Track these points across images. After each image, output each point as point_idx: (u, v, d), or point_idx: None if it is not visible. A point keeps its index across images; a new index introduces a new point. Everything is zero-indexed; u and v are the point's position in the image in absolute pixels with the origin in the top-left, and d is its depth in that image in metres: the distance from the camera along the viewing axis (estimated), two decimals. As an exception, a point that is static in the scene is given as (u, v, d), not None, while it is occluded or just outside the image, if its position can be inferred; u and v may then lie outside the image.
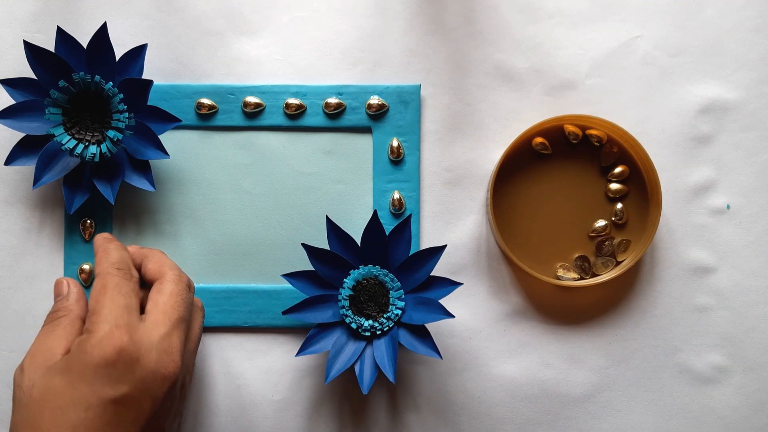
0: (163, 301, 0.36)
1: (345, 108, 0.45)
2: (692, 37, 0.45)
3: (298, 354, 0.41)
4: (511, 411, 0.44)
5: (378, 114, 0.44)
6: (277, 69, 0.45)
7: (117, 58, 0.41)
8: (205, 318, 0.44)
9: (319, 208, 0.45)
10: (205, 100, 0.44)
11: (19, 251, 0.45)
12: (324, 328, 0.42)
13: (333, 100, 0.44)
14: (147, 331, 0.35)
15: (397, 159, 0.44)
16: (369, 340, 0.41)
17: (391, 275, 0.41)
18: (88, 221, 0.44)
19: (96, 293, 0.35)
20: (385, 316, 0.41)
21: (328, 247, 0.42)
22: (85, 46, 0.41)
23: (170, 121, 0.42)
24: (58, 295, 0.39)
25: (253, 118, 0.45)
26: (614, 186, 0.44)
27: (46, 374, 0.34)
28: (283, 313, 0.41)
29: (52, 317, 0.37)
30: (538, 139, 0.44)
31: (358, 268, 0.41)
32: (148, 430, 0.34)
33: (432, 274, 0.42)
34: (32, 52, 0.41)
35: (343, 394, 0.45)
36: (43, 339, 0.36)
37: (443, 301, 0.44)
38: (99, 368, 0.33)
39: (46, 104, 0.41)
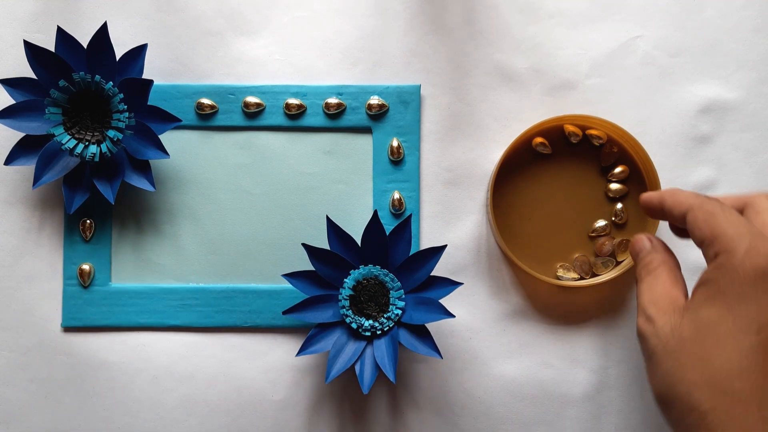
0: None
1: (345, 108, 0.45)
2: (692, 37, 0.45)
3: (298, 354, 0.41)
4: (511, 411, 0.44)
5: (378, 114, 0.44)
6: (277, 69, 0.45)
7: (117, 58, 0.41)
8: (206, 317, 0.44)
9: (319, 208, 0.45)
10: (205, 100, 0.44)
11: (19, 251, 0.45)
12: (324, 328, 0.42)
13: (333, 101, 0.44)
14: None
15: (397, 159, 0.44)
16: (369, 340, 0.41)
17: (391, 275, 0.41)
18: (88, 221, 0.44)
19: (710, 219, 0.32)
20: (385, 315, 0.41)
21: (328, 247, 0.42)
22: (85, 46, 0.41)
23: (170, 121, 0.42)
24: (639, 250, 0.37)
25: (253, 118, 0.45)
26: (614, 186, 0.44)
27: (690, 313, 0.31)
28: (284, 313, 0.41)
29: (650, 269, 0.35)
30: (538, 139, 0.44)
31: (359, 268, 0.41)
32: None
33: (432, 274, 0.42)
34: (32, 51, 0.41)
35: (344, 393, 0.45)
36: (653, 288, 0.34)
37: (443, 301, 0.44)
38: (756, 282, 0.30)
39: (46, 104, 0.41)
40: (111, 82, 0.41)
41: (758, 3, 0.45)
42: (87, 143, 0.41)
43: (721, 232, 0.31)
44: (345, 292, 0.41)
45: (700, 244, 0.33)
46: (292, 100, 0.44)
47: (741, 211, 0.34)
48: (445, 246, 0.41)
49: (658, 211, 0.36)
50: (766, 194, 0.34)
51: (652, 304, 0.34)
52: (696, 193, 0.35)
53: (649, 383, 0.33)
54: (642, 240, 0.38)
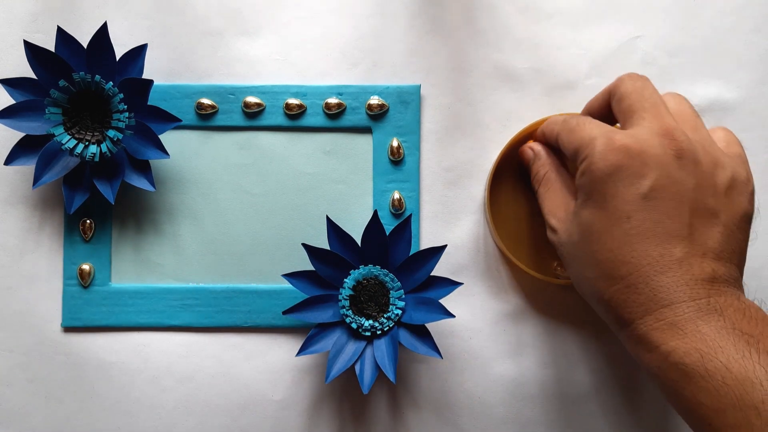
0: (629, 102, 0.36)
1: (345, 108, 0.45)
2: (692, 37, 0.45)
3: (298, 354, 0.41)
4: (511, 411, 0.44)
5: (378, 114, 0.44)
6: (277, 69, 0.45)
7: (117, 58, 0.41)
8: (206, 317, 0.44)
9: (319, 208, 0.45)
10: (205, 100, 0.44)
11: (19, 251, 0.45)
12: (324, 328, 0.42)
13: (333, 101, 0.44)
14: (634, 122, 0.35)
15: (397, 159, 0.44)
16: (369, 340, 0.41)
17: (391, 275, 0.41)
18: (88, 221, 0.44)
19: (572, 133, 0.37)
20: (385, 315, 0.41)
21: (328, 247, 0.42)
22: (85, 46, 0.41)
23: (170, 120, 0.42)
24: (527, 162, 0.42)
25: (253, 118, 0.45)
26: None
27: (575, 217, 0.35)
28: (284, 313, 0.41)
29: (539, 180, 0.40)
30: (531, 143, 0.44)
31: (359, 268, 0.41)
32: (700, 212, 0.33)
33: (432, 274, 0.42)
34: (32, 51, 0.41)
35: (344, 393, 0.45)
36: (549, 199, 0.39)
37: (443, 301, 0.44)
38: (613, 176, 0.33)
39: (46, 104, 0.41)
40: (111, 82, 0.41)
41: (758, 3, 0.45)
42: (87, 143, 0.41)
43: (579, 143, 0.35)
44: (345, 292, 0.41)
45: (572, 159, 0.36)
46: (292, 100, 0.44)
47: (609, 103, 0.38)
48: (445, 246, 0.41)
49: (545, 142, 0.41)
50: (627, 75, 0.37)
51: (551, 215, 0.38)
52: (564, 117, 0.39)
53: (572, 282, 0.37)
54: (525, 151, 0.42)
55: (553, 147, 0.40)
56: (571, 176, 0.39)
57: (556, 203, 0.38)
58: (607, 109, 0.38)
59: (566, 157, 0.38)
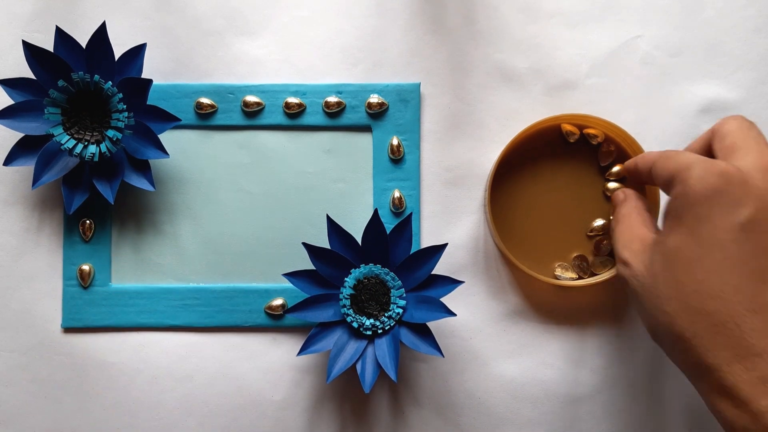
0: (732, 140, 0.33)
1: (345, 107, 0.45)
2: (692, 37, 0.45)
3: (299, 353, 0.40)
4: (512, 411, 0.44)
5: (378, 113, 0.44)
6: (277, 69, 0.45)
7: (116, 58, 0.41)
8: (206, 317, 0.44)
9: (319, 207, 0.45)
10: (205, 100, 0.44)
11: (18, 251, 0.45)
12: (325, 327, 0.41)
13: (333, 99, 0.44)
14: (738, 158, 0.32)
15: (397, 157, 0.44)
16: (370, 339, 0.41)
17: (392, 274, 0.41)
18: (88, 221, 0.44)
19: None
20: (386, 314, 0.41)
21: (328, 246, 0.42)
22: (84, 46, 0.41)
23: (170, 120, 0.42)
24: (615, 204, 0.40)
25: (252, 117, 0.45)
26: (612, 185, 0.44)
27: (659, 246, 0.33)
28: (285, 312, 0.41)
29: (618, 218, 0.38)
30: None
31: (359, 267, 0.41)
32: None
33: (432, 272, 0.42)
34: (31, 52, 0.41)
35: (345, 393, 0.44)
36: (623, 233, 0.36)
37: (444, 300, 0.44)
38: (709, 200, 0.30)
39: (45, 104, 0.41)
40: (110, 82, 0.41)
41: (758, 3, 0.45)
42: (86, 143, 0.41)
43: (675, 168, 0.33)
44: (346, 291, 0.41)
45: (665, 187, 0.34)
46: (292, 99, 0.44)
47: (710, 144, 0.35)
48: (446, 244, 0.41)
49: (635, 173, 0.39)
50: (732, 116, 0.35)
51: (625, 248, 0.36)
52: (661, 151, 0.36)
53: (643, 323, 0.34)
54: (617, 195, 0.40)
55: (642, 186, 0.40)
56: (653, 218, 0.38)
57: (631, 237, 0.36)
58: (708, 150, 0.36)
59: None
